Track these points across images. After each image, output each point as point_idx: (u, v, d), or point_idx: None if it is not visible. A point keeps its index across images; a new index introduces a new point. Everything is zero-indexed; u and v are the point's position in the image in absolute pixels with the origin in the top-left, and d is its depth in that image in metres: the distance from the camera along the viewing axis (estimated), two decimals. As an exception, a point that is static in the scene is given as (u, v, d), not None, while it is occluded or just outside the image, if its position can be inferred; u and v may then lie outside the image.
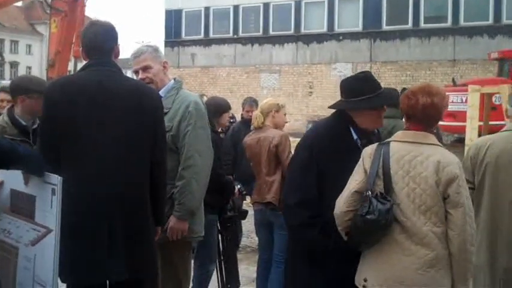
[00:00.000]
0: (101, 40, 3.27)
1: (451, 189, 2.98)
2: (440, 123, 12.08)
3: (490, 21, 23.52)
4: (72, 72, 13.75)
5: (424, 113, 3.11)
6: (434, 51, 24.01)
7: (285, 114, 5.33)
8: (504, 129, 4.06)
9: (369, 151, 3.19)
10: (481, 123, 6.78)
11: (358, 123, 3.43)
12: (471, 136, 6.07)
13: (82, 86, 3.15)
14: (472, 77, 20.73)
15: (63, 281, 3.09)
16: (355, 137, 3.44)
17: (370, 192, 3.07)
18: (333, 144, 3.38)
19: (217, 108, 5.38)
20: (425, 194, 3.00)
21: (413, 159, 3.05)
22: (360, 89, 3.41)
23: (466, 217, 2.98)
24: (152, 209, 3.22)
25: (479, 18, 23.55)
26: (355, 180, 3.16)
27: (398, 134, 3.20)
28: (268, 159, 5.01)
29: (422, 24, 24.67)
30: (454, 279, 3.05)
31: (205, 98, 7.40)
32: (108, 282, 3.16)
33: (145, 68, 3.90)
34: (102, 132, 3.06)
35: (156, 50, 4.01)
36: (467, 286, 3.11)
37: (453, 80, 15.69)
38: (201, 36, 29.07)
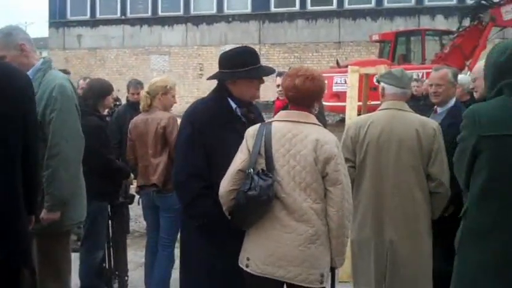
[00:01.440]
0: None
1: (329, 167, 3.09)
2: (326, 103, 12.54)
3: (373, 4, 24.39)
4: None
5: (303, 94, 3.22)
6: (320, 34, 24.60)
7: (173, 96, 5.23)
8: (381, 107, 4.23)
9: (251, 131, 3.27)
10: (361, 103, 7.05)
11: (236, 94, 3.52)
12: (351, 115, 6.28)
13: None
14: (357, 58, 21.43)
15: None
16: (234, 106, 3.52)
17: (252, 170, 3.13)
18: (213, 115, 3.44)
19: (99, 90, 5.19)
20: (304, 172, 3.11)
21: (293, 137, 3.15)
22: (238, 61, 3.50)
23: (344, 194, 3.11)
24: (24, 197, 3.06)
25: (362, 2, 24.38)
26: (239, 159, 3.23)
27: (281, 114, 3.31)
28: (155, 140, 4.92)
29: (309, 7, 25.17)
30: (333, 253, 3.17)
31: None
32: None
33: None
34: None
35: (7, 34, 3.65)
36: (343, 258, 3.26)
37: (337, 61, 16.19)
38: (87, 17, 28.08)
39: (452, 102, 4.42)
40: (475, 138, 2.78)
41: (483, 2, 14.28)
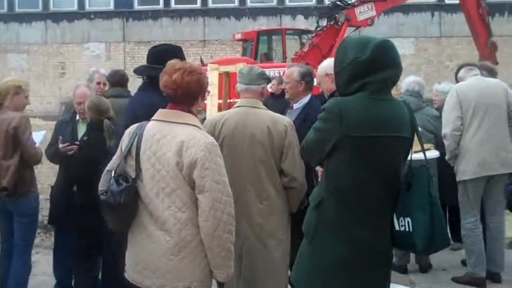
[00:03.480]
0: None
1: (195, 173, 2.86)
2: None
3: (236, 3, 24.77)
4: None
5: (179, 94, 3.00)
6: (185, 32, 24.61)
7: (26, 97, 5.00)
8: (236, 105, 4.33)
9: (129, 130, 3.12)
10: (221, 101, 7.17)
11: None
12: (211, 113, 6.38)
13: None
14: (222, 56, 21.65)
15: None
16: None
17: (113, 172, 3.03)
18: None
19: None
20: (168, 176, 2.90)
21: (162, 138, 2.96)
22: (170, 57, 3.37)
23: (214, 203, 2.86)
24: None
25: (226, 1, 24.69)
26: (112, 160, 3.13)
27: (158, 113, 3.10)
28: (6, 141, 4.69)
29: (173, 5, 25.10)
30: (211, 265, 2.96)
31: None
32: None
33: None
34: None
35: None
36: (226, 272, 2.99)
37: (201, 59, 16.26)
38: None
39: (307, 99, 4.60)
40: (340, 135, 2.84)
41: (338, 3, 14.95)
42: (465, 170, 5.57)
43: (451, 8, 21.60)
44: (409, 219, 2.93)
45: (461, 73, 5.91)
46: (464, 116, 5.53)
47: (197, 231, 2.89)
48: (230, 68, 7.12)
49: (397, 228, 2.98)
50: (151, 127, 3.01)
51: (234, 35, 18.53)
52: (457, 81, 6.04)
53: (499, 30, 19.26)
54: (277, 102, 7.94)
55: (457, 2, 15.66)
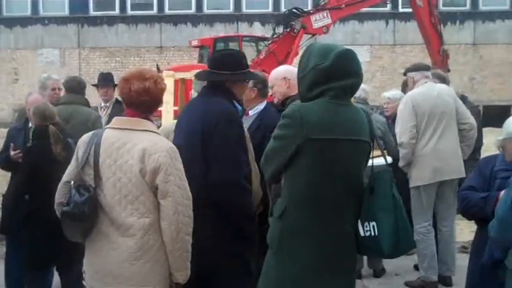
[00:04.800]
0: None
1: (158, 178, 2.91)
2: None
3: (193, 10, 24.72)
4: None
5: (138, 99, 3.03)
6: (142, 38, 24.42)
7: None
8: None
9: (84, 138, 3.11)
10: (177, 108, 7.14)
11: (237, 96, 3.80)
12: (167, 120, 6.34)
13: None
14: (179, 63, 21.58)
15: None
16: (239, 108, 3.77)
17: (72, 182, 3.02)
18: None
19: None
20: (131, 184, 2.93)
21: (122, 146, 2.97)
22: (237, 63, 3.79)
23: (177, 206, 2.93)
24: None
25: (182, 7, 24.61)
26: (68, 170, 3.10)
27: (114, 120, 3.14)
28: None
29: (129, 11, 24.88)
30: (171, 268, 3.02)
31: None
32: None
33: None
34: None
35: None
36: (185, 274, 3.07)
37: (157, 66, 16.14)
38: None
39: (263, 105, 4.61)
40: (301, 140, 2.84)
41: (295, 10, 15.06)
42: (419, 176, 5.69)
43: (405, 17, 21.99)
44: (374, 223, 2.94)
45: (413, 74, 6.02)
46: (418, 124, 5.66)
47: (159, 236, 2.95)
48: (186, 75, 7.10)
49: (362, 234, 2.98)
50: (109, 135, 3.01)
51: (190, 41, 18.51)
52: (406, 81, 6.20)
53: (450, 39, 19.75)
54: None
55: (411, 10, 15.96)
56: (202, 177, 3.47)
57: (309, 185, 2.88)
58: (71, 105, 5.67)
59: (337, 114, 2.91)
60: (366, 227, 2.96)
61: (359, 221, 2.99)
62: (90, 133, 3.11)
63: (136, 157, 2.91)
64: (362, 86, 6.13)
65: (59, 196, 3.09)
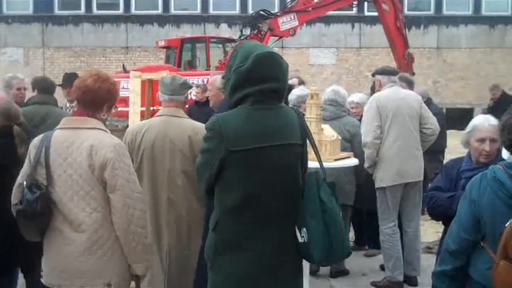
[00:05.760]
0: None
1: (106, 173, 3.02)
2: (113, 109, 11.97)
3: (160, 10, 24.58)
4: None
5: (82, 97, 3.16)
6: (107, 38, 24.15)
7: None
8: (158, 113, 4.31)
9: (35, 141, 3.20)
10: (144, 108, 7.09)
11: None
12: (134, 121, 6.30)
13: None
14: (145, 63, 21.42)
15: None
16: None
17: (25, 182, 3.08)
18: None
19: None
20: (81, 180, 3.03)
21: (71, 145, 3.07)
22: None
23: (126, 200, 3.03)
24: None
25: (149, 7, 24.45)
26: (21, 172, 3.17)
27: (63, 121, 3.23)
28: None
29: (95, 11, 24.61)
30: (128, 261, 3.12)
31: None
32: None
33: None
34: None
35: None
36: (144, 265, 3.17)
37: (123, 66, 16.01)
38: None
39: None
40: (224, 152, 2.75)
41: (262, 12, 15.09)
42: (384, 178, 5.76)
43: (371, 20, 22.23)
44: (305, 229, 2.81)
45: (380, 77, 6.09)
46: (382, 125, 5.72)
47: (113, 229, 3.06)
48: (153, 76, 7.04)
49: (300, 240, 2.86)
50: (58, 135, 3.13)
51: (157, 42, 18.36)
52: (374, 82, 6.25)
53: (415, 42, 20.04)
54: (202, 110, 7.95)
55: (377, 14, 16.14)
56: None
57: (239, 196, 2.78)
58: (45, 105, 5.63)
59: (259, 121, 2.80)
60: (302, 233, 2.84)
61: (296, 227, 2.87)
62: (41, 135, 3.20)
63: (84, 154, 3.03)
64: (334, 87, 6.16)
65: (14, 197, 3.16)
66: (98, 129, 3.14)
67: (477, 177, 2.92)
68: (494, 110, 11.88)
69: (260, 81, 2.79)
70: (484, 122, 3.75)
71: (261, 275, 2.82)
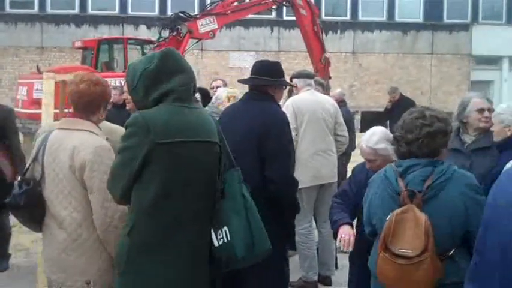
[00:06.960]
0: None
1: (85, 174, 3.12)
2: (27, 111, 12.07)
3: (76, 10, 24.03)
4: None
5: (74, 101, 3.30)
6: (21, 38, 23.40)
7: None
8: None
9: (39, 139, 3.37)
10: (57, 110, 6.90)
11: (276, 99, 4.38)
12: (47, 123, 6.13)
13: None
14: (61, 64, 20.86)
15: None
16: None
17: (19, 178, 3.38)
18: None
19: None
20: (65, 180, 3.17)
21: (59, 146, 3.22)
22: (279, 70, 4.42)
23: (104, 202, 3.08)
24: None
25: (65, 7, 23.86)
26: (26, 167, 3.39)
27: (61, 121, 3.46)
28: None
29: (8, 9, 23.79)
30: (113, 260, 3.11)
31: None
32: None
33: None
34: None
35: None
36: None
37: (37, 67, 15.51)
38: None
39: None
40: (149, 145, 2.71)
41: (181, 14, 15.00)
42: (300, 179, 5.85)
43: (289, 24, 22.59)
44: (226, 228, 2.80)
45: (297, 80, 6.21)
46: (298, 127, 5.83)
47: (93, 229, 3.14)
48: (67, 77, 6.86)
49: (216, 244, 2.83)
50: (53, 135, 3.28)
51: (73, 42, 17.91)
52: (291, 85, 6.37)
53: (332, 47, 20.51)
54: (120, 112, 7.81)
55: (295, 18, 16.40)
56: (258, 174, 3.93)
57: (160, 196, 2.73)
58: None
59: (184, 116, 2.83)
60: (220, 234, 2.81)
61: (212, 231, 2.84)
62: (44, 134, 3.39)
63: (67, 154, 3.16)
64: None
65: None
66: (87, 131, 3.24)
67: (374, 177, 3.32)
68: (392, 111, 12.47)
69: (170, 74, 2.86)
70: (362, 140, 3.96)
71: (180, 278, 2.78)
